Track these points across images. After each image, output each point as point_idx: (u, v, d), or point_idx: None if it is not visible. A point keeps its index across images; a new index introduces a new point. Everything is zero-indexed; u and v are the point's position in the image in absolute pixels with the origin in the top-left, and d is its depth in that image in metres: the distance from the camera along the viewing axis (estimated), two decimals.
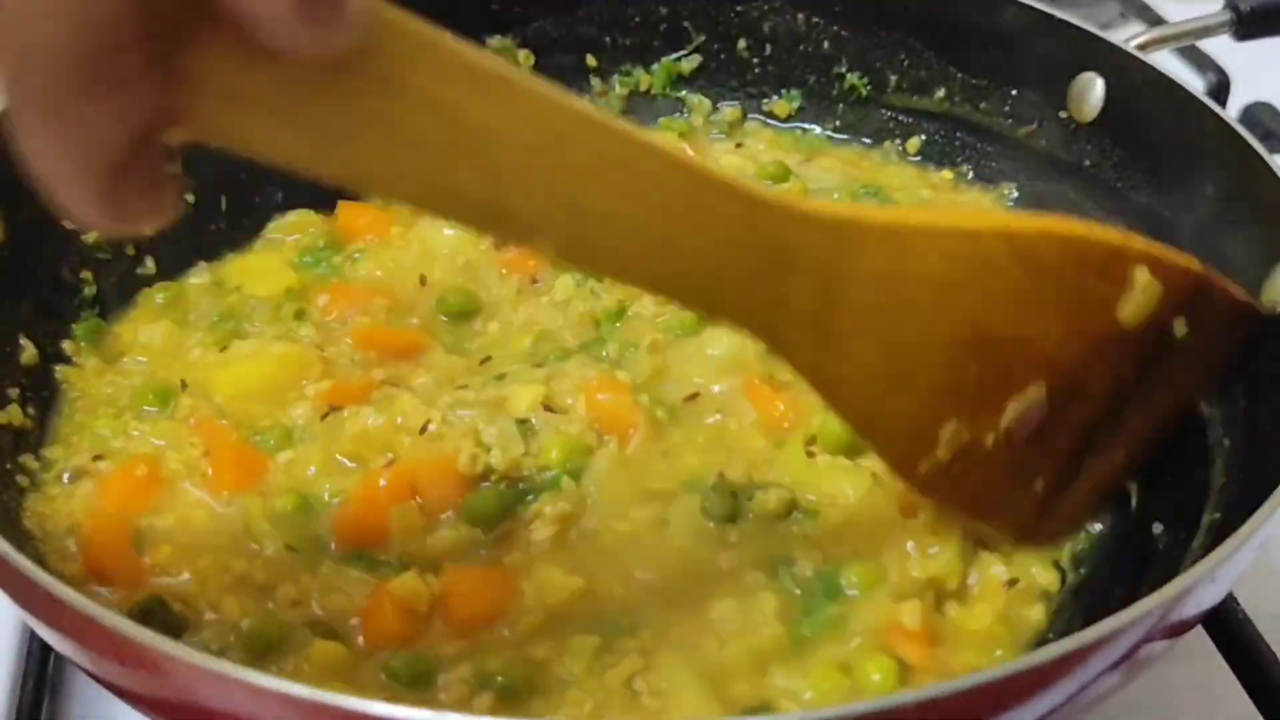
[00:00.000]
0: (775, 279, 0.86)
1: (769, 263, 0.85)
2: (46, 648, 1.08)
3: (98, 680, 0.85)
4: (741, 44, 1.49)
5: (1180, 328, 1.02)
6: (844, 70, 1.47)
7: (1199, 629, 1.07)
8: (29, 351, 1.14)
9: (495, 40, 1.47)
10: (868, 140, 1.49)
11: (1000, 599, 1.02)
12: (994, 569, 1.04)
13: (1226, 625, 1.09)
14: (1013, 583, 1.03)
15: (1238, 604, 1.09)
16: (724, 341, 1.16)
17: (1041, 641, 1.01)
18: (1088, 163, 1.33)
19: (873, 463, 1.06)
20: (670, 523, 1.04)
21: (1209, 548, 0.84)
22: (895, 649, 0.96)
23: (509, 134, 0.72)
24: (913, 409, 0.96)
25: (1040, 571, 1.05)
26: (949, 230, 0.93)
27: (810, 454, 1.09)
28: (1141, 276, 0.97)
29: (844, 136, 1.50)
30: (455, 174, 0.72)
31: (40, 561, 0.92)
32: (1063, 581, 1.05)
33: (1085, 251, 0.96)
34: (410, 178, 0.72)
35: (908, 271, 0.91)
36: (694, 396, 1.14)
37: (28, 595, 0.82)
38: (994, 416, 0.98)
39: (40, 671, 1.07)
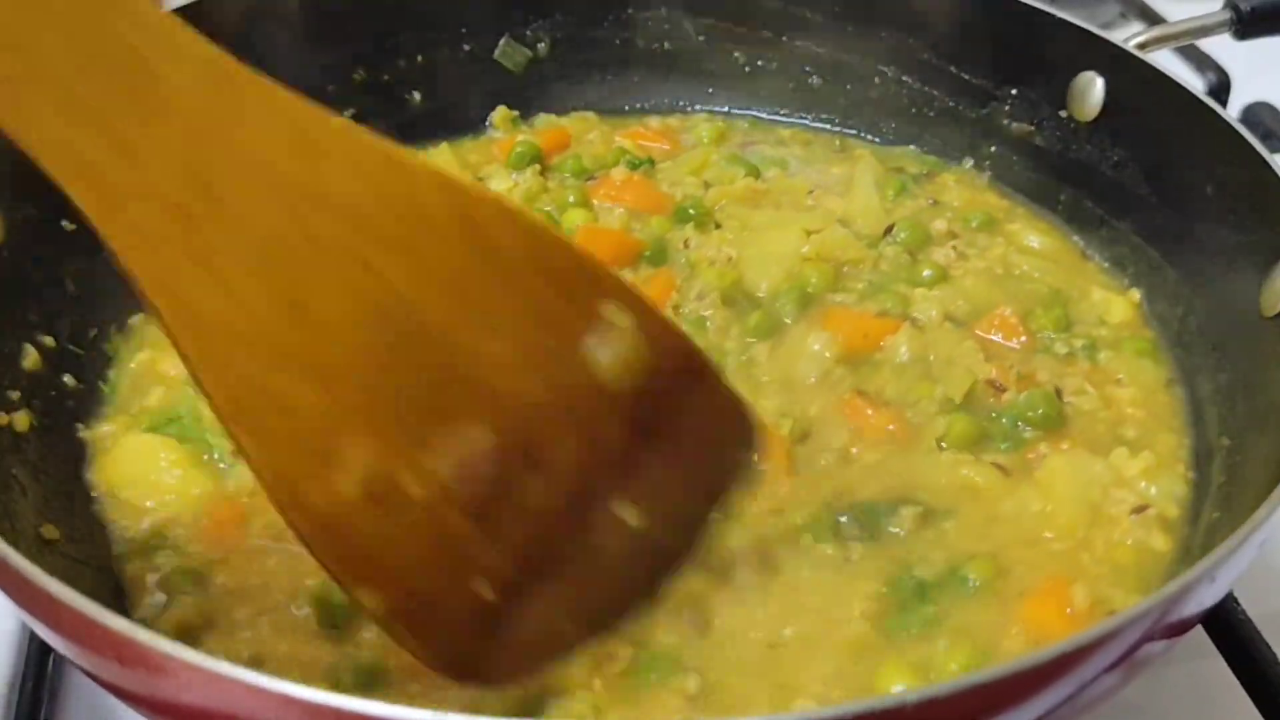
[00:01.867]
0: (126, 115, 0.65)
1: (116, 81, 0.65)
2: (46, 648, 1.07)
3: (97, 681, 0.85)
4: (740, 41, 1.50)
5: (652, 405, 0.83)
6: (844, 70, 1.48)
7: (1199, 629, 1.07)
8: (31, 357, 1.14)
9: None
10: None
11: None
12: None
13: (1226, 625, 1.09)
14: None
15: (1238, 604, 1.09)
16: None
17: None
18: (1088, 162, 1.33)
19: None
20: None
21: (1208, 547, 0.83)
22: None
23: None
24: (306, 399, 0.74)
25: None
26: (378, 153, 0.74)
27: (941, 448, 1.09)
28: (618, 318, 0.81)
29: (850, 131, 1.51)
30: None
31: None
32: None
33: (548, 253, 0.79)
34: None
35: (315, 187, 0.71)
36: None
37: (27, 596, 0.82)
38: (420, 451, 0.77)
39: (39, 672, 1.07)
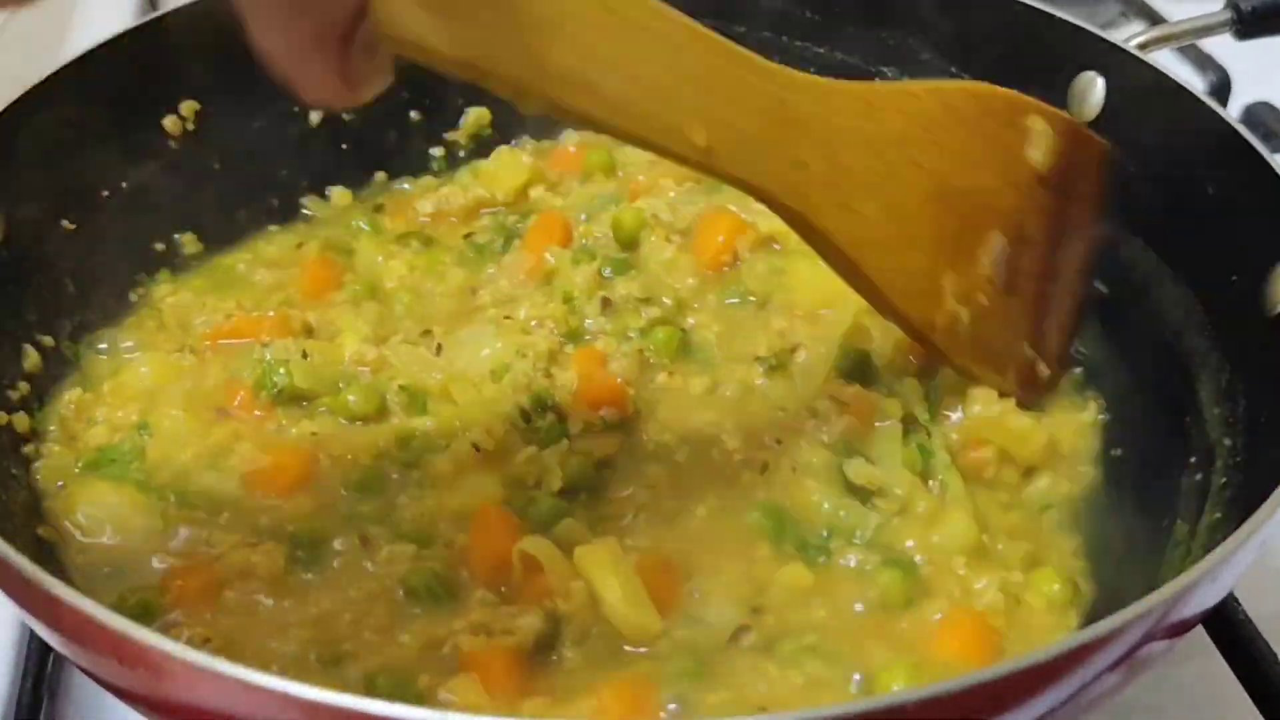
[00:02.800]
0: (791, 141, 1.01)
1: (783, 125, 1.01)
2: (46, 647, 1.08)
3: (96, 680, 0.85)
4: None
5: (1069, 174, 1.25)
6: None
7: (1199, 629, 1.07)
8: (31, 358, 1.15)
9: None
10: None
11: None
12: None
13: (1227, 625, 1.09)
14: None
15: (1238, 604, 1.09)
16: None
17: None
18: None
19: None
20: None
21: (1209, 547, 0.84)
22: None
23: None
24: (918, 263, 1.13)
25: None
26: (895, 90, 1.18)
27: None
28: (1036, 124, 1.21)
29: None
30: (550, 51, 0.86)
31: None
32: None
33: (990, 102, 1.19)
34: (518, 56, 0.85)
35: (880, 132, 1.09)
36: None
37: (27, 595, 0.82)
38: (973, 265, 1.17)
39: (39, 671, 1.07)
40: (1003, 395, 1.17)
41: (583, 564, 0.98)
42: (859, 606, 1.01)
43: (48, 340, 1.18)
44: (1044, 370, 1.23)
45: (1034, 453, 1.14)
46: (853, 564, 1.04)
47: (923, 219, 1.13)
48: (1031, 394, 1.21)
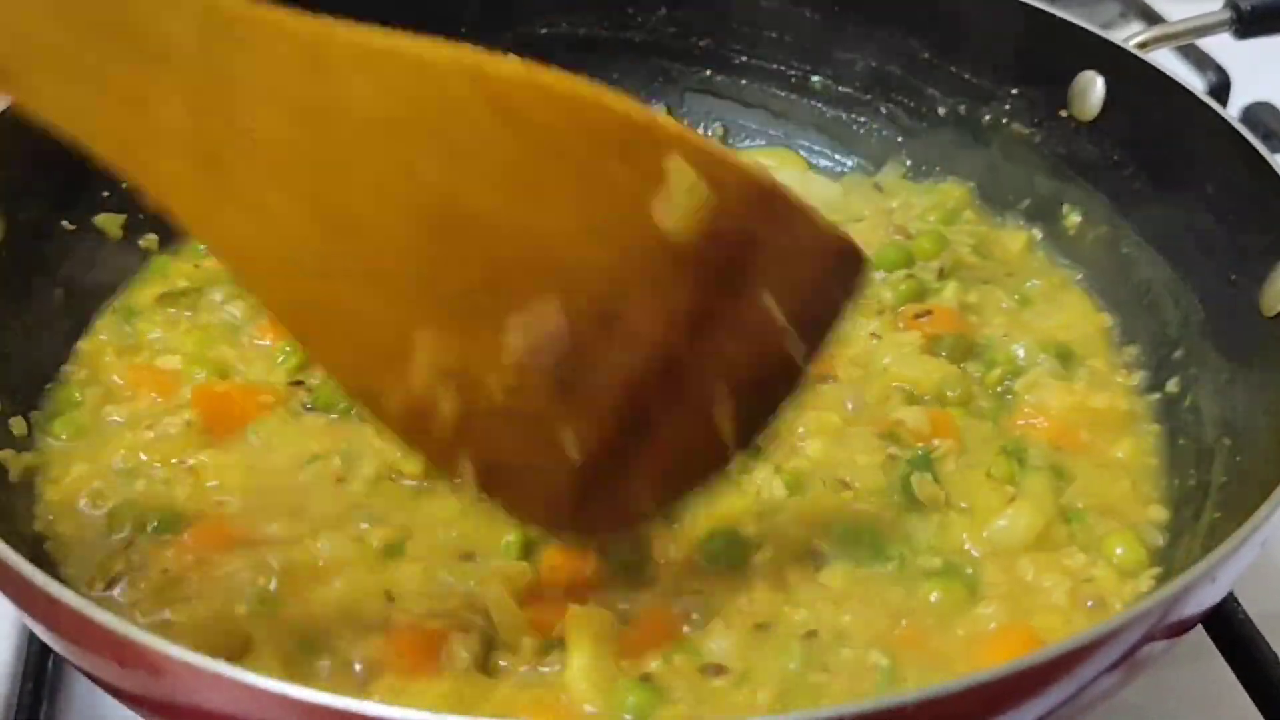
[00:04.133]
0: (129, 72, 0.66)
1: (115, 44, 0.66)
2: (45, 649, 1.07)
3: (96, 681, 0.85)
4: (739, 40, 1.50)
5: (735, 253, 0.80)
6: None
7: (1199, 629, 1.06)
8: (30, 360, 1.15)
9: None
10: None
11: None
12: None
13: (1227, 625, 1.09)
14: None
15: (1238, 604, 1.09)
16: None
17: None
18: (1088, 162, 1.33)
19: None
20: None
21: (1209, 547, 0.83)
22: None
23: None
24: (363, 304, 0.75)
25: None
26: (393, 55, 0.71)
27: None
28: (679, 172, 0.76)
29: None
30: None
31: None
32: None
33: (596, 122, 0.75)
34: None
35: (333, 103, 0.71)
36: None
37: (26, 596, 0.82)
38: (490, 334, 0.77)
39: (39, 673, 1.06)
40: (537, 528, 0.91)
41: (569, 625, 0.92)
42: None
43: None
44: (594, 513, 0.86)
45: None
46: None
47: (392, 244, 0.74)
48: (559, 530, 0.90)
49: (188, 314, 1.25)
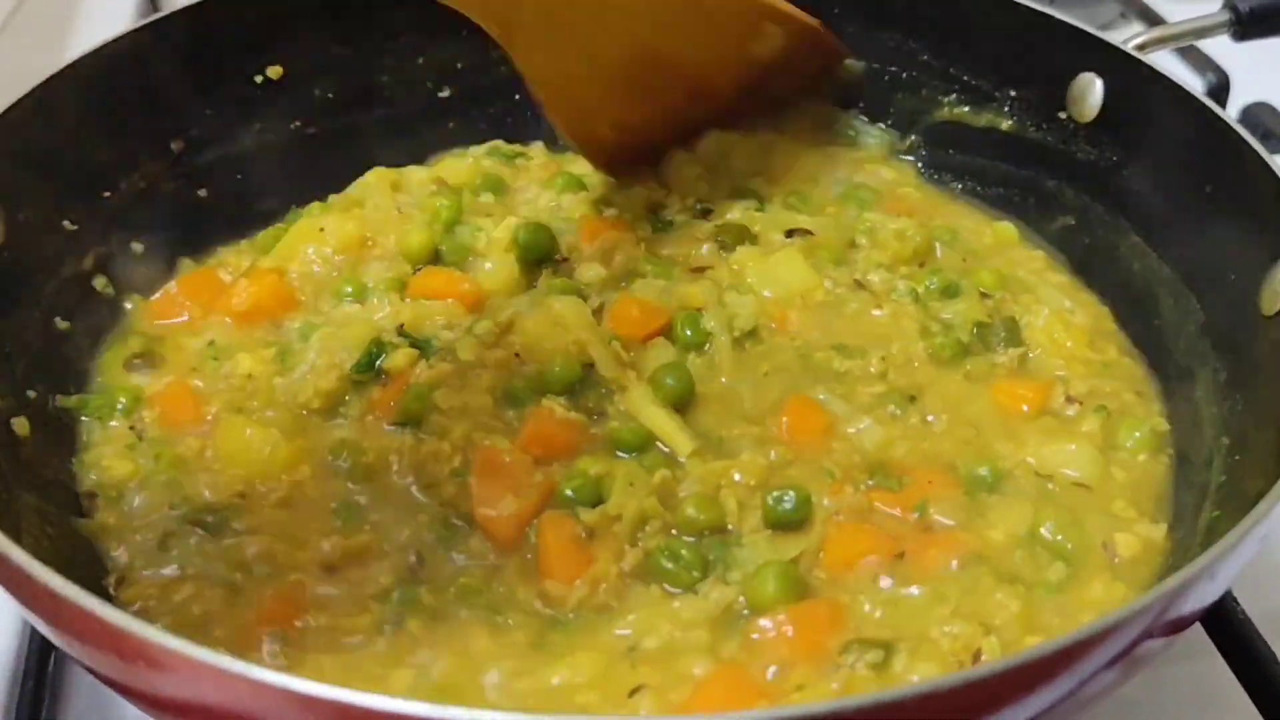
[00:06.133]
0: None
1: None
2: (47, 645, 1.08)
3: (98, 677, 0.85)
4: None
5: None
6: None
7: (1198, 627, 1.07)
8: (28, 360, 1.15)
9: None
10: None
11: None
12: None
13: (1226, 624, 1.09)
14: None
15: (1237, 603, 1.10)
16: None
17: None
18: (1087, 162, 1.33)
19: None
20: None
21: (1207, 544, 0.84)
22: None
23: None
24: (591, 90, 1.30)
25: None
26: None
27: None
28: (769, 29, 1.35)
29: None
30: None
31: None
32: None
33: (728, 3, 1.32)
34: None
35: None
36: None
37: (28, 592, 0.82)
38: (642, 107, 1.34)
39: (40, 669, 1.07)
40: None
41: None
42: None
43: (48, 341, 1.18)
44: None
45: None
46: None
47: (613, 71, 1.27)
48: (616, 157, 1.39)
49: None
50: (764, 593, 0.99)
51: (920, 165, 1.47)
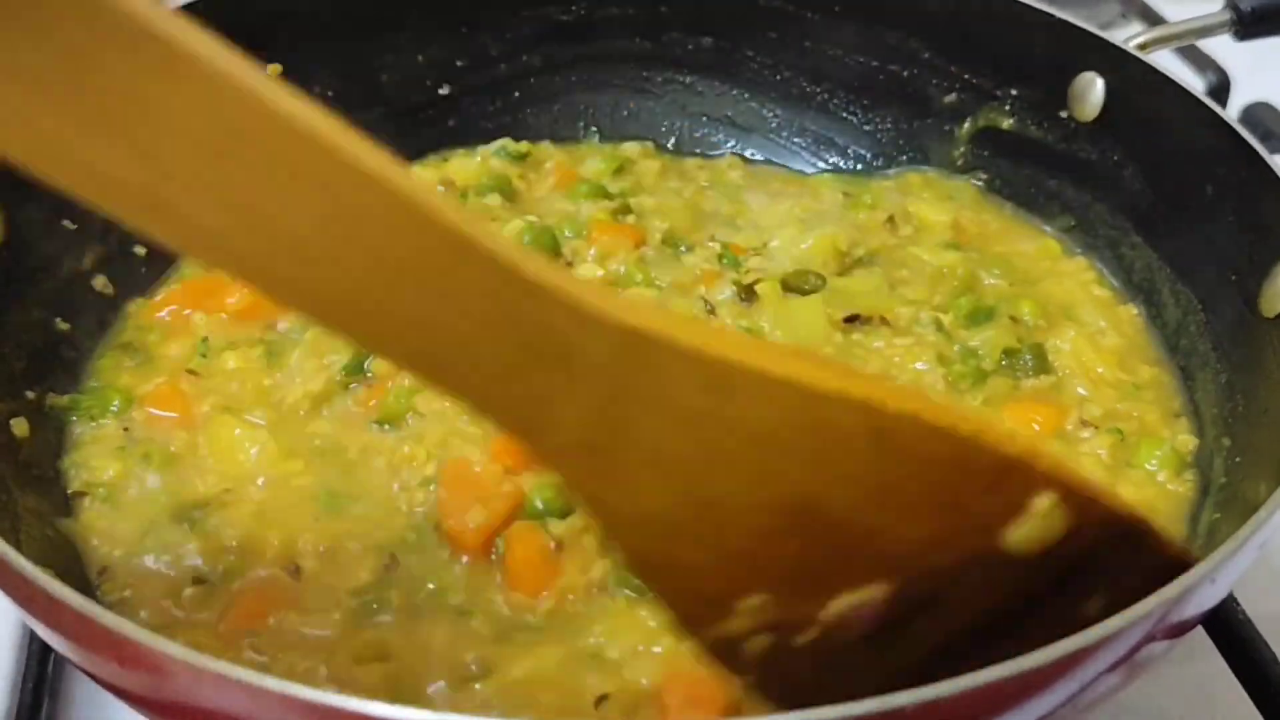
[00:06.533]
0: (543, 378, 0.70)
1: (534, 357, 0.69)
2: (46, 649, 1.08)
3: (97, 681, 0.85)
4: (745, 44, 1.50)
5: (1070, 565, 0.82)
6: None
7: (1199, 630, 1.07)
8: (27, 361, 1.14)
9: None
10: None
11: None
12: None
13: (1227, 626, 1.09)
14: None
15: (1238, 605, 1.09)
16: None
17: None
18: (1088, 162, 1.33)
19: None
20: None
21: (1209, 548, 0.83)
22: None
23: (181, 115, 0.60)
24: (709, 563, 0.79)
25: None
26: (791, 384, 0.73)
27: None
28: (1043, 504, 0.78)
29: None
30: (100, 144, 0.61)
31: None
32: None
33: (970, 455, 0.77)
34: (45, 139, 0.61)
35: (724, 415, 0.73)
36: None
37: (27, 596, 0.82)
38: (815, 604, 0.80)
39: (40, 672, 1.07)
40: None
41: None
42: None
43: (48, 341, 1.18)
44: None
45: None
46: None
47: (746, 529, 0.78)
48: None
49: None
50: None
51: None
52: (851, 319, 1.22)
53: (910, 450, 0.76)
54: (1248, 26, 1.33)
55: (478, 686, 0.94)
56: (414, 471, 1.08)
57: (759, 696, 0.86)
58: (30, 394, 1.13)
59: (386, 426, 1.13)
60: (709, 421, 0.73)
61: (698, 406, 0.73)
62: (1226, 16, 1.33)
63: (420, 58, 1.47)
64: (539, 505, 1.05)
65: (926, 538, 0.79)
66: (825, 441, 0.75)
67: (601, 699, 0.93)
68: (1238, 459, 1.04)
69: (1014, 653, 0.73)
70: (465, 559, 1.03)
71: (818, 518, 0.77)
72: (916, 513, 0.78)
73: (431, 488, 1.07)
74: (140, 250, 1.28)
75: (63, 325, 1.20)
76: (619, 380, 0.71)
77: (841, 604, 0.80)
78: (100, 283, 1.25)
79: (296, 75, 1.36)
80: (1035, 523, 0.78)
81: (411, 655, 0.96)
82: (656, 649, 0.97)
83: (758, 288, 1.22)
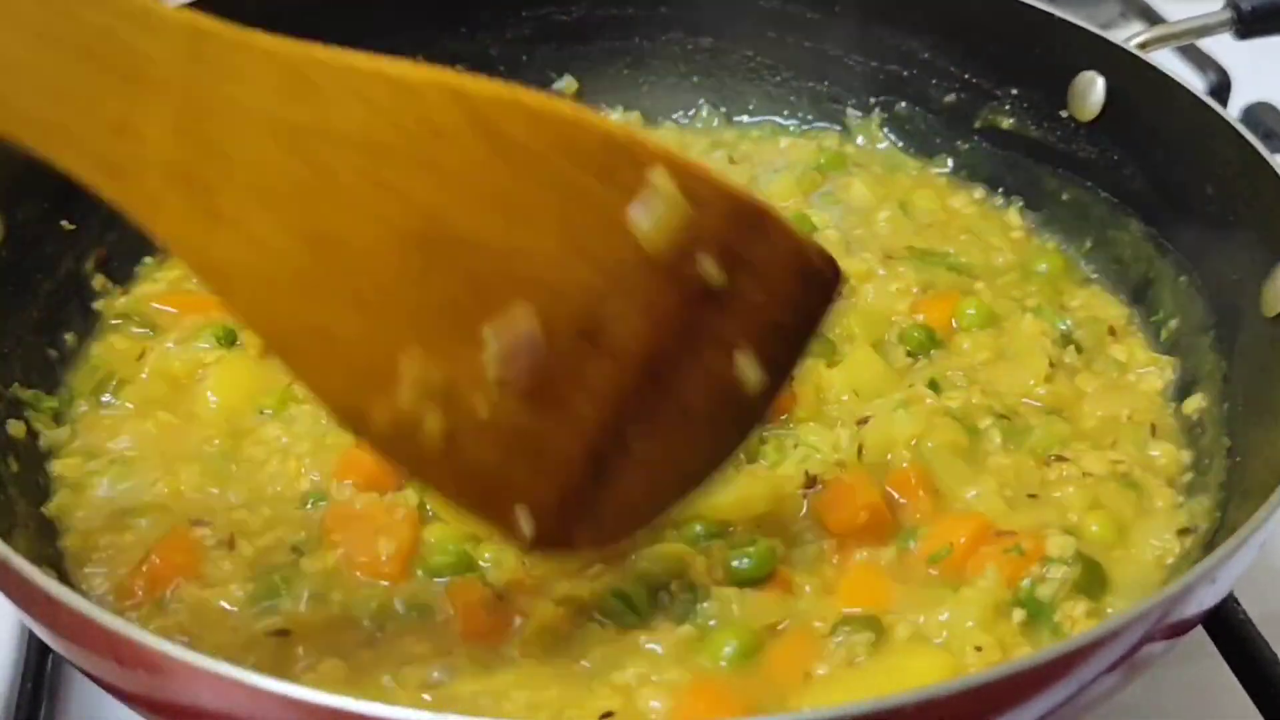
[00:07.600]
0: (117, 103, 0.66)
1: (102, 71, 0.66)
2: (45, 648, 1.07)
3: (95, 681, 0.85)
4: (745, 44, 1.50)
5: (712, 268, 0.81)
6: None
7: (1199, 629, 1.06)
8: (23, 361, 1.14)
9: None
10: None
11: None
12: None
13: (1227, 626, 1.08)
14: None
15: (1238, 605, 1.09)
16: None
17: None
18: (1087, 162, 1.33)
19: None
20: None
21: (1209, 548, 0.83)
22: None
23: None
24: (347, 324, 0.75)
25: None
26: (375, 76, 0.73)
27: None
28: (661, 183, 0.78)
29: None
30: None
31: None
32: None
33: (578, 140, 0.76)
34: None
35: (318, 124, 0.71)
36: None
37: (26, 596, 0.82)
38: (470, 349, 0.77)
39: (38, 672, 1.07)
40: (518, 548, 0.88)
41: None
42: None
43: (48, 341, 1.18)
44: (582, 532, 0.86)
45: None
46: None
47: (375, 264, 0.75)
48: (543, 549, 0.86)
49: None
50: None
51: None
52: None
53: (519, 144, 0.75)
54: (1248, 25, 1.33)
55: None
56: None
57: (539, 553, 0.85)
58: (26, 394, 1.13)
59: None
60: (304, 135, 0.71)
61: (287, 117, 0.70)
62: (1227, 16, 1.33)
63: (420, 58, 1.47)
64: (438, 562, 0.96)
65: (556, 243, 0.78)
66: (428, 142, 0.73)
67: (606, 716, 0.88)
68: (1237, 458, 1.04)
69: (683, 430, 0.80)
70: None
71: (446, 243, 0.75)
72: (542, 215, 0.77)
73: (340, 550, 0.99)
74: (139, 249, 1.29)
75: (61, 325, 1.20)
76: (196, 90, 0.68)
77: (494, 340, 0.77)
78: (100, 282, 1.25)
79: None
80: (658, 202, 0.77)
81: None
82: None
83: None
